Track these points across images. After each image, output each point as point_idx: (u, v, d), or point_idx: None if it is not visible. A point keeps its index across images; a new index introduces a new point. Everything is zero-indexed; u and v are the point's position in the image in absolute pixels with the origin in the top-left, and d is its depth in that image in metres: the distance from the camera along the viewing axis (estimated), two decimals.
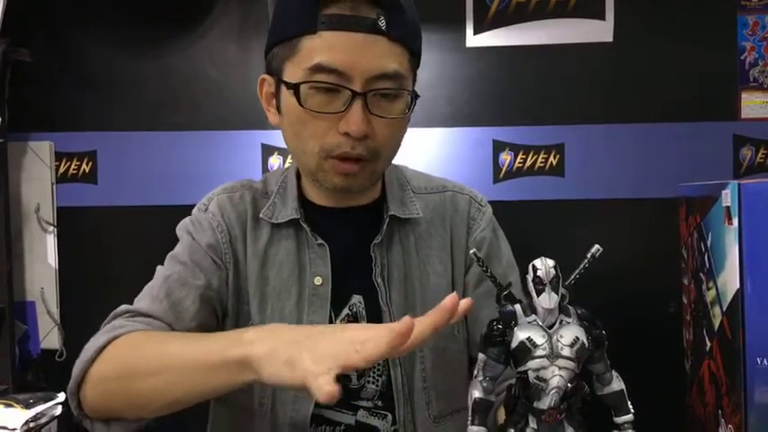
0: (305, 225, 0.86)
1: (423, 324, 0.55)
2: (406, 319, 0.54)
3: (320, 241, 0.85)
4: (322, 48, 0.74)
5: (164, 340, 0.73)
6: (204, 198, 0.91)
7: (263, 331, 0.64)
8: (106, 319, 0.81)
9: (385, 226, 0.86)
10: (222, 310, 0.86)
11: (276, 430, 0.83)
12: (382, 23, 0.74)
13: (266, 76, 0.83)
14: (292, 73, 0.77)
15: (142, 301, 0.82)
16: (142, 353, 0.71)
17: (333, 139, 0.76)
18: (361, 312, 0.85)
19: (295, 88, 0.75)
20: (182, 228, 0.90)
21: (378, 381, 0.85)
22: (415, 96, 0.80)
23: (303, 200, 0.89)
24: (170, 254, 0.88)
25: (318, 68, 0.74)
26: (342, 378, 0.83)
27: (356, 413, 0.84)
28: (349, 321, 0.85)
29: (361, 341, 0.55)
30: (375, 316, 0.84)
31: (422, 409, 0.85)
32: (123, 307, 0.81)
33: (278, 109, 0.82)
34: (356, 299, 0.86)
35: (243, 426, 0.85)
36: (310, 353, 0.56)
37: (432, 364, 0.86)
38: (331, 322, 0.84)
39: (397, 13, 0.75)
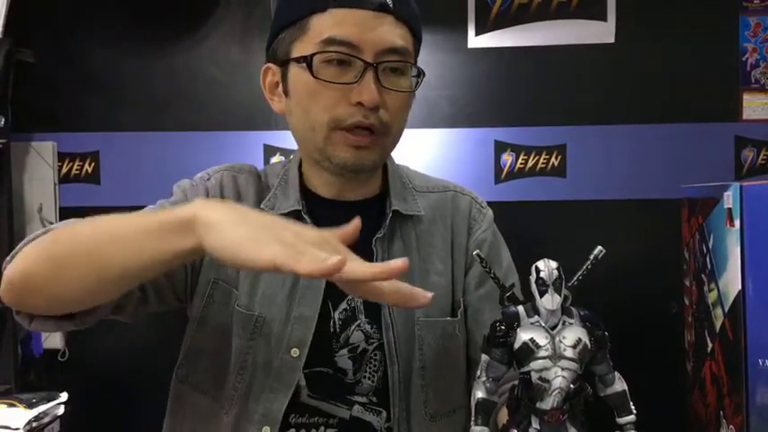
0: (306, 217, 0.85)
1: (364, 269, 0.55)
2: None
3: None
4: (332, 23, 0.76)
5: (101, 217, 0.66)
6: (209, 169, 0.92)
7: (213, 202, 0.60)
8: None
9: (388, 221, 0.86)
10: (193, 273, 0.84)
11: (246, 419, 0.81)
12: (390, 2, 0.77)
13: (270, 65, 0.85)
14: (303, 50, 0.78)
15: None
16: (73, 229, 0.66)
17: (344, 110, 0.77)
18: (359, 306, 0.85)
19: (308, 60, 0.77)
20: (179, 185, 0.90)
21: (373, 377, 0.85)
22: (421, 74, 0.82)
23: (305, 191, 0.88)
24: (160, 201, 0.87)
25: (330, 41, 0.76)
26: (338, 371, 0.83)
27: (351, 408, 0.84)
28: (347, 315, 0.85)
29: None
30: (374, 311, 0.85)
31: (419, 407, 0.85)
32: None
33: (285, 93, 0.83)
34: None
35: (208, 413, 0.83)
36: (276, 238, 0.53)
37: (431, 362, 0.86)
38: (328, 315, 0.84)
39: None
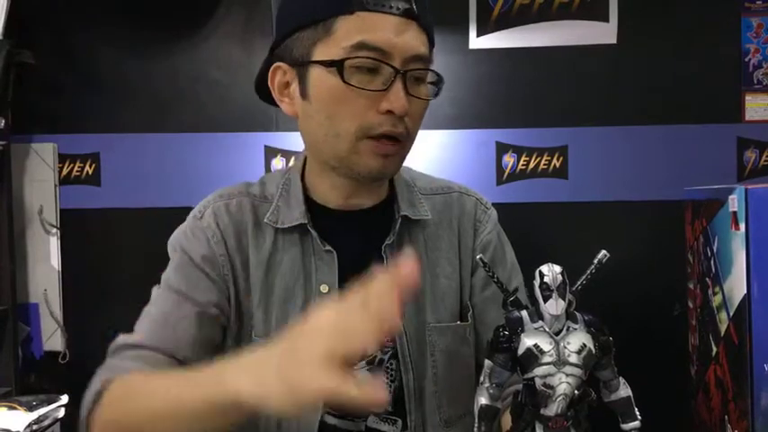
0: (312, 231, 0.84)
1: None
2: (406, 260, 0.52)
3: (327, 247, 0.83)
4: (362, 27, 0.74)
5: (152, 390, 0.69)
6: (199, 205, 0.88)
7: (240, 366, 0.59)
8: (109, 348, 0.81)
9: (397, 227, 0.85)
10: (226, 322, 0.84)
11: None
12: (415, 9, 0.76)
13: (281, 65, 0.82)
14: (328, 53, 0.76)
15: (141, 332, 0.81)
16: (135, 405, 0.70)
17: (373, 119, 0.75)
18: None
19: (338, 65, 0.74)
20: (174, 243, 0.86)
21: (390, 386, 0.84)
22: (441, 80, 0.81)
23: (309, 202, 0.87)
24: (164, 275, 0.85)
25: (361, 46, 0.74)
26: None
27: (366, 419, 0.84)
28: None
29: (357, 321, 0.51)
30: None
31: (433, 413, 0.84)
32: (122, 339, 0.80)
33: (303, 95, 0.80)
34: None
35: None
36: (307, 365, 0.51)
37: (443, 367, 0.85)
38: None
39: (423, 4, 0.78)
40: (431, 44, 0.81)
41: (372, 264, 0.83)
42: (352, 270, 0.83)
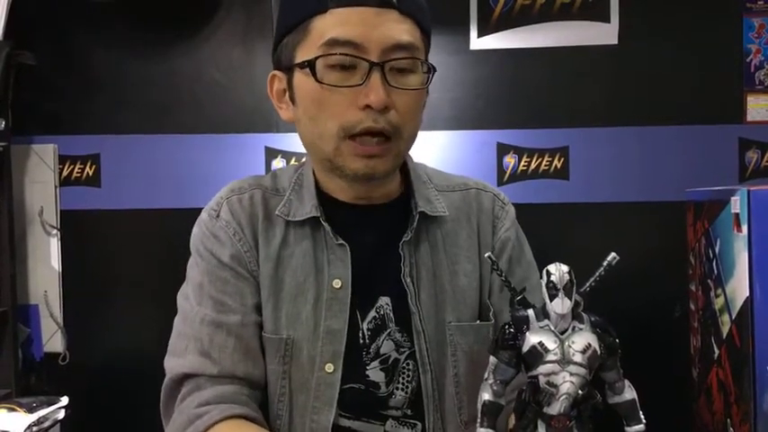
0: (325, 224, 0.82)
1: None
2: None
3: (340, 241, 0.81)
4: (334, 23, 0.73)
5: None
6: (212, 201, 0.86)
7: None
8: (165, 384, 0.80)
9: (415, 223, 0.83)
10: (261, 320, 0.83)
11: None
12: None
13: (276, 72, 0.82)
14: (306, 54, 0.75)
15: (190, 358, 0.79)
16: None
17: (353, 116, 0.74)
18: (388, 315, 0.82)
19: (311, 65, 0.74)
20: (197, 243, 0.84)
21: (407, 387, 0.82)
22: (432, 69, 0.78)
23: (322, 196, 0.85)
24: (194, 282, 0.83)
25: (333, 42, 0.73)
26: (370, 386, 0.81)
27: (384, 423, 0.82)
28: (377, 324, 0.82)
29: None
30: (404, 318, 0.82)
31: (453, 415, 0.82)
32: (179, 372, 0.79)
33: (291, 100, 0.80)
34: (383, 300, 0.83)
35: None
36: None
37: (465, 367, 0.83)
38: (356, 326, 0.81)
39: None
40: (423, 31, 0.78)
41: (388, 260, 0.83)
42: (369, 266, 0.83)
